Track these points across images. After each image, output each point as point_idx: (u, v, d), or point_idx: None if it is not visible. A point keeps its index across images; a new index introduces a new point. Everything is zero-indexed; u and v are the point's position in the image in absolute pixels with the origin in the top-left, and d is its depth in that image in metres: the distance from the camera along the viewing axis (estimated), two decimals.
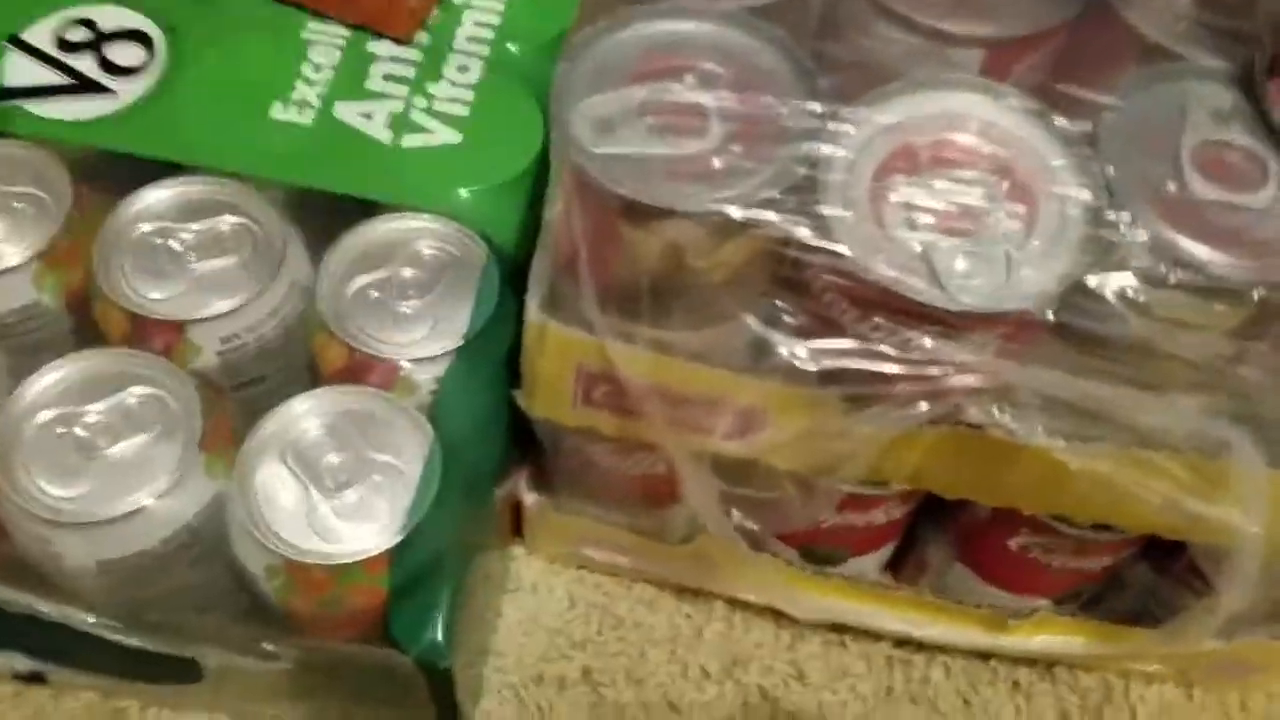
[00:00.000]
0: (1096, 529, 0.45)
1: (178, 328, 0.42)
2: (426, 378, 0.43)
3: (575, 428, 0.45)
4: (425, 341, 0.43)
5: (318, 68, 0.48)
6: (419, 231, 0.45)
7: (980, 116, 0.40)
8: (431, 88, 0.48)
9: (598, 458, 0.47)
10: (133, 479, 0.39)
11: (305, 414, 0.41)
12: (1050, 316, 0.37)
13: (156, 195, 0.45)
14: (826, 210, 0.37)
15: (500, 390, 0.44)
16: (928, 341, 0.37)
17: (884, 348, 0.37)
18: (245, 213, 0.44)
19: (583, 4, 0.44)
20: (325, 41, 0.49)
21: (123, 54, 0.48)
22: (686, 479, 0.42)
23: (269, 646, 0.42)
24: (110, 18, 0.49)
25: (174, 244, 0.44)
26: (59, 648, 0.46)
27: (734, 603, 0.53)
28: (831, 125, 0.39)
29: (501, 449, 0.47)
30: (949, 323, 0.37)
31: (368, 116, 0.47)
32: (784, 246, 0.38)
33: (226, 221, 0.44)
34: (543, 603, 0.54)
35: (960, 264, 0.37)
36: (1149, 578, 0.49)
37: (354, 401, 0.41)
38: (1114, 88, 0.41)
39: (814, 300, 0.39)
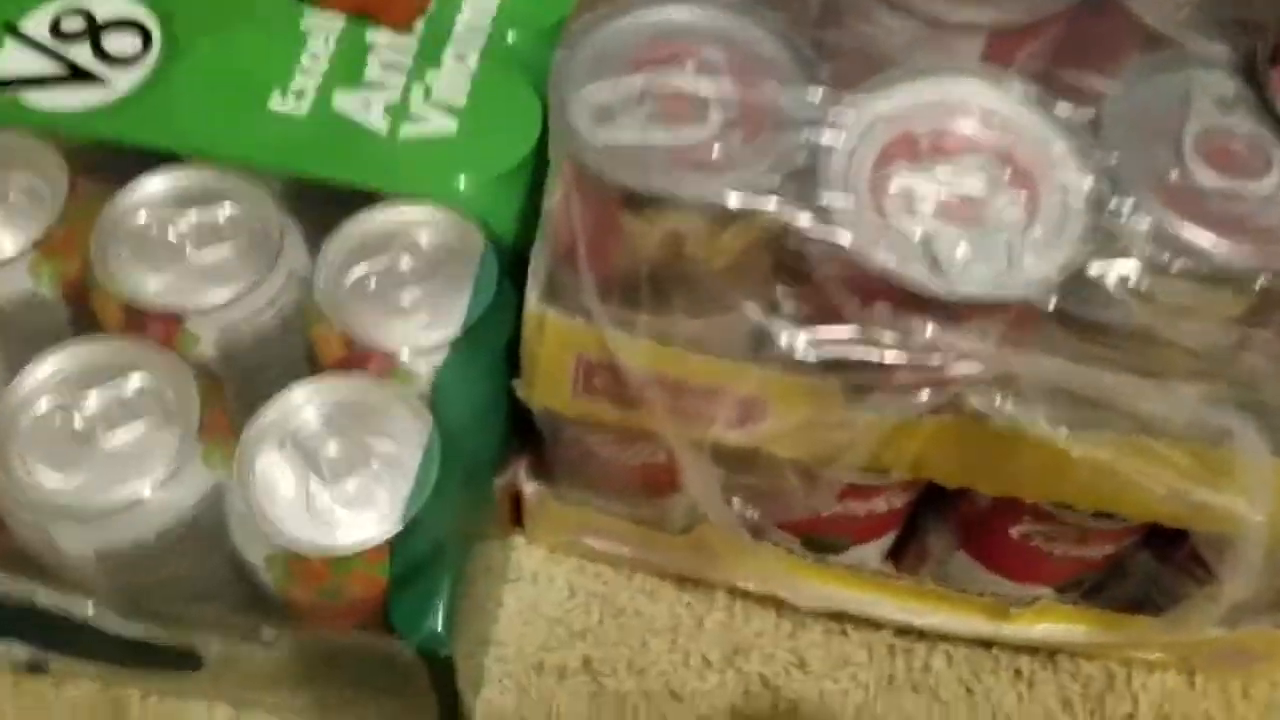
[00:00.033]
0: (1098, 517, 0.45)
1: (175, 318, 0.42)
2: (425, 367, 0.42)
3: (575, 417, 0.45)
4: (424, 331, 0.43)
5: (315, 57, 0.48)
6: (417, 221, 0.45)
7: (981, 104, 0.39)
8: (430, 77, 0.48)
9: (597, 447, 0.47)
10: (131, 469, 0.39)
11: (304, 403, 0.41)
12: (1052, 304, 0.37)
13: (153, 185, 0.44)
14: (827, 198, 0.37)
15: (499, 380, 0.44)
16: (929, 330, 0.37)
17: (885, 336, 0.37)
18: (242, 203, 0.44)
19: None
20: (322, 31, 0.49)
21: (119, 43, 0.48)
22: (687, 468, 0.42)
23: (269, 635, 0.42)
24: (106, 7, 0.49)
25: (171, 234, 0.43)
26: (59, 637, 0.45)
27: (735, 592, 0.53)
28: (832, 113, 0.38)
29: (501, 438, 0.47)
30: (950, 311, 0.37)
31: (366, 106, 0.47)
32: (784, 235, 0.37)
33: (224, 211, 0.44)
34: (543, 592, 0.54)
35: (961, 252, 0.37)
36: (1151, 566, 0.49)
37: (353, 391, 0.41)
38: (1116, 75, 0.41)
39: (814, 289, 0.38)
